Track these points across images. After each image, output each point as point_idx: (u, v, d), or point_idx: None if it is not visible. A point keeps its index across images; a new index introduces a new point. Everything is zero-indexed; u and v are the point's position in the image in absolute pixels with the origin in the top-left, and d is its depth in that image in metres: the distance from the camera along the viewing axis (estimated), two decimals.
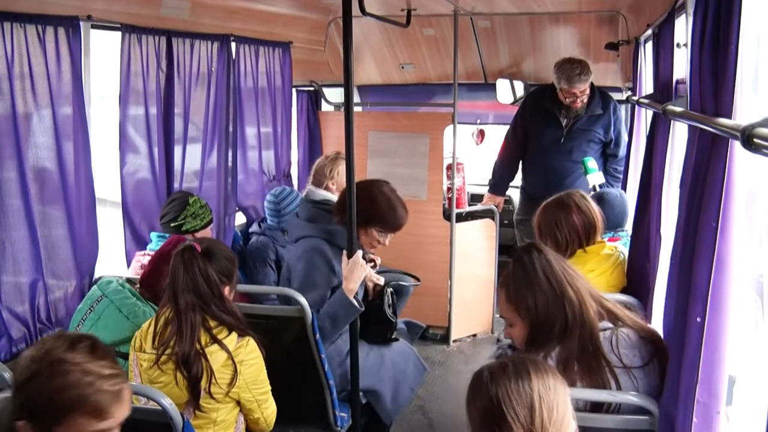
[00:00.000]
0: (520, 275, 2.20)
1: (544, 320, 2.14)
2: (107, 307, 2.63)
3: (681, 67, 2.75)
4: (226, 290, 2.48)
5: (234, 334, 2.41)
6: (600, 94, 4.88)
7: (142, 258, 3.39)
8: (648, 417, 2.05)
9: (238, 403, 2.47)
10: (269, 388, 2.54)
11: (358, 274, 3.03)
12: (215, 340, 2.37)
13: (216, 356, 2.36)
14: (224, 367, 2.36)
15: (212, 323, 2.41)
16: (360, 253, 3.04)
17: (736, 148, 1.59)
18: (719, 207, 1.61)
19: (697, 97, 1.91)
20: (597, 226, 3.14)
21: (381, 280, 3.40)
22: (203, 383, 2.34)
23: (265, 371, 2.50)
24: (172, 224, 3.46)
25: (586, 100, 4.78)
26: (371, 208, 3.17)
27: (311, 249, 3.14)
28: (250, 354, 2.42)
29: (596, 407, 2.11)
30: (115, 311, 2.63)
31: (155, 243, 3.43)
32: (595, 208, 3.18)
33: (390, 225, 3.24)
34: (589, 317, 2.14)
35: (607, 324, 2.17)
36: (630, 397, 2.06)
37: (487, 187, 5.45)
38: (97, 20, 3.11)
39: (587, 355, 2.11)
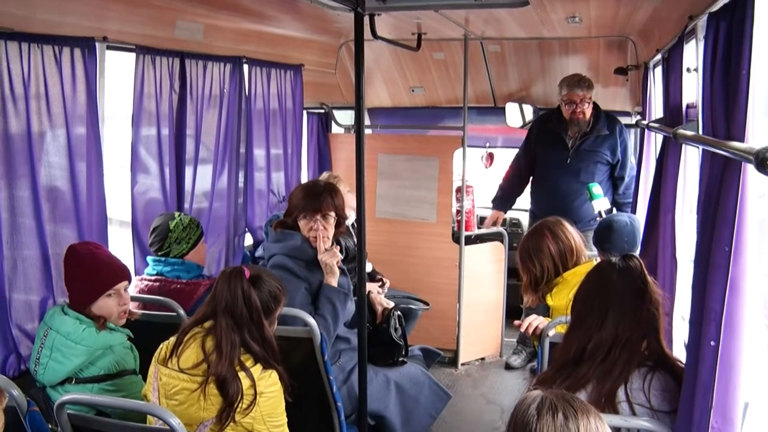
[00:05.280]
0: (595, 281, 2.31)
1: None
2: (55, 338, 2.57)
3: (691, 91, 2.76)
4: (265, 324, 2.47)
5: (259, 366, 2.39)
6: (606, 116, 4.89)
7: (140, 283, 3.38)
8: None
9: None
10: (285, 420, 2.49)
11: (329, 263, 3.23)
12: (242, 366, 2.35)
13: (242, 382, 2.34)
14: (246, 396, 2.33)
15: (241, 349, 2.39)
16: (324, 249, 3.26)
17: (749, 171, 1.59)
18: (732, 231, 1.61)
19: (709, 122, 1.91)
20: (575, 249, 3.11)
21: (390, 304, 3.41)
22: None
23: (284, 404, 2.46)
24: (159, 253, 3.41)
25: (587, 113, 4.78)
26: (289, 204, 3.41)
27: (273, 266, 3.25)
28: (270, 387, 2.38)
29: None
30: (63, 340, 2.56)
31: (152, 267, 3.41)
32: (572, 232, 3.15)
33: (298, 207, 3.31)
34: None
35: (648, 362, 2.16)
36: (643, 423, 2.03)
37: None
38: (112, 41, 3.15)
39: (607, 381, 2.11)
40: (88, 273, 2.67)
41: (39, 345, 2.60)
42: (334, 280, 3.24)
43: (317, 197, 3.27)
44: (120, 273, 2.75)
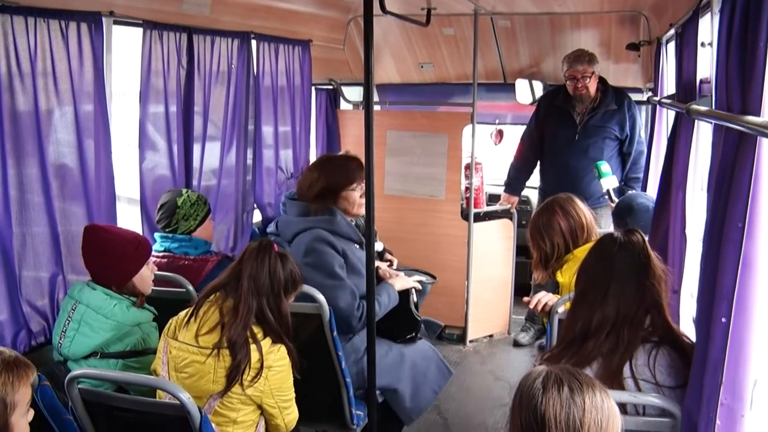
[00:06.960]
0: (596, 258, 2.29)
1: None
2: (84, 312, 2.59)
3: (704, 66, 2.72)
4: (283, 298, 2.52)
5: (268, 339, 2.42)
6: (614, 91, 4.84)
7: None
8: (670, 420, 2.03)
9: (260, 407, 2.46)
10: (293, 395, 2.53)
11: (403, 284, 3.42)
12: (253, 338, 2.39)
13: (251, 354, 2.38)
14: (252, 368, 2.37)
15: (253, 319, 2.43)
16: (411, 276, 3.47)
17: (765, 146, 1.56)
18: (746, 206, 1.59)
19: (723, 96, 1.88)
20: (586, 226, 3.10)
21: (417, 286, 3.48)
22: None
23: (292, 379, 2.50)
24: (167, 230, 3.42)
25: (591, 88, 4.72)
26: (333, 179, 3.30)
27: (313, 239, 3.20)
28: (278, 361, 2.42)
29: None
30: (93, 314, 2.59)
31: (159, 244, 3.42)
32: (583, 209, 3.13)
33: (353, 175, 3.30)
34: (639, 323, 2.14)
35: (653, 338, 2.15)
36: (652, 399, 2.03)
37: (503, 187, 5.44)
38: (119, 16, 3.13)
39: (614, 358, 2.09)
40: (126, 248, 2.73)
41: (66, 318, 2.62)
42: (399, 285, 3.41)
43: (362, 165, 3.25)
44: (149, 243, 2.88)
